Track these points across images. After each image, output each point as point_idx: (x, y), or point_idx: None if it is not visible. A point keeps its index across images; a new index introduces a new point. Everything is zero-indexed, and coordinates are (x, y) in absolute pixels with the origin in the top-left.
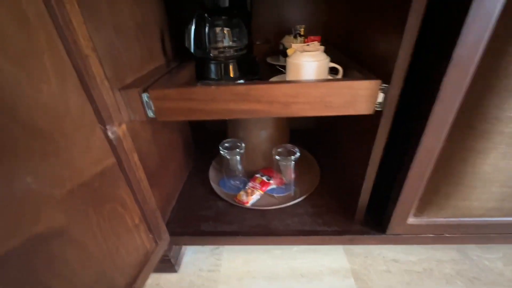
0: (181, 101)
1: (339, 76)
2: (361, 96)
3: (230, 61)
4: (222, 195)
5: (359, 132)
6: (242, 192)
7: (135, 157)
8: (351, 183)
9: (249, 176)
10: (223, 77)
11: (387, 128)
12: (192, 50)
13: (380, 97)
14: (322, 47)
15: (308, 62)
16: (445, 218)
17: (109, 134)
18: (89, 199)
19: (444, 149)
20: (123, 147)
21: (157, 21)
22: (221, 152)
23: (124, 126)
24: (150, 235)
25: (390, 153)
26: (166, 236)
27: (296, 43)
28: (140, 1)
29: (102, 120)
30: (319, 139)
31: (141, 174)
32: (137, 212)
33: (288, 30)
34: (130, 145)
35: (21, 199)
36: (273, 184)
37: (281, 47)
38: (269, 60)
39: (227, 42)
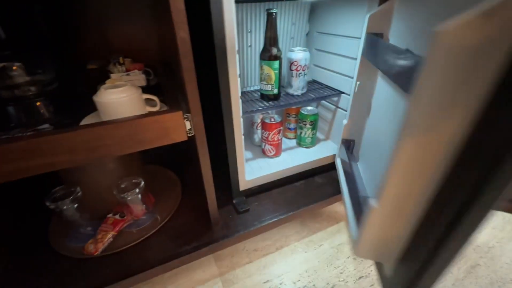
0: None
1: (157, 106)
2: (170, 127)
3: (37, 99)
4: (67, 253)
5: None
6: (90, 241)
7: None
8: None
9: (103, 217)
10: (29, 122)
11: (205, 145)
12: None
13: (188, 124)
14: (143, 77)
15: (114, 99)
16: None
17: None
18: None
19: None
20: None
21: None
22: (49, 207)
23: None
24: None
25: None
26: None
27: (117, 72)
28: None
29: None
30: (182, 155)
31: None
32: None
33: (117, 53)
34: None
35: None
36: (129, 220)
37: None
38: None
39: (22, 79)
